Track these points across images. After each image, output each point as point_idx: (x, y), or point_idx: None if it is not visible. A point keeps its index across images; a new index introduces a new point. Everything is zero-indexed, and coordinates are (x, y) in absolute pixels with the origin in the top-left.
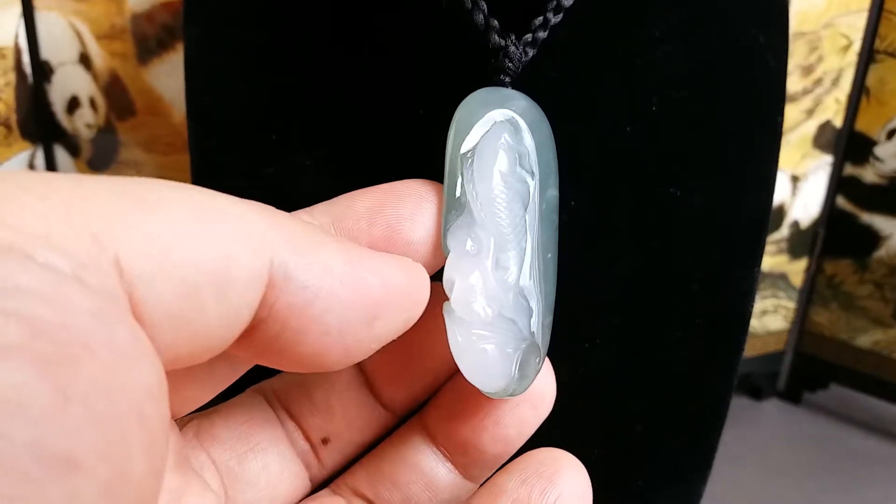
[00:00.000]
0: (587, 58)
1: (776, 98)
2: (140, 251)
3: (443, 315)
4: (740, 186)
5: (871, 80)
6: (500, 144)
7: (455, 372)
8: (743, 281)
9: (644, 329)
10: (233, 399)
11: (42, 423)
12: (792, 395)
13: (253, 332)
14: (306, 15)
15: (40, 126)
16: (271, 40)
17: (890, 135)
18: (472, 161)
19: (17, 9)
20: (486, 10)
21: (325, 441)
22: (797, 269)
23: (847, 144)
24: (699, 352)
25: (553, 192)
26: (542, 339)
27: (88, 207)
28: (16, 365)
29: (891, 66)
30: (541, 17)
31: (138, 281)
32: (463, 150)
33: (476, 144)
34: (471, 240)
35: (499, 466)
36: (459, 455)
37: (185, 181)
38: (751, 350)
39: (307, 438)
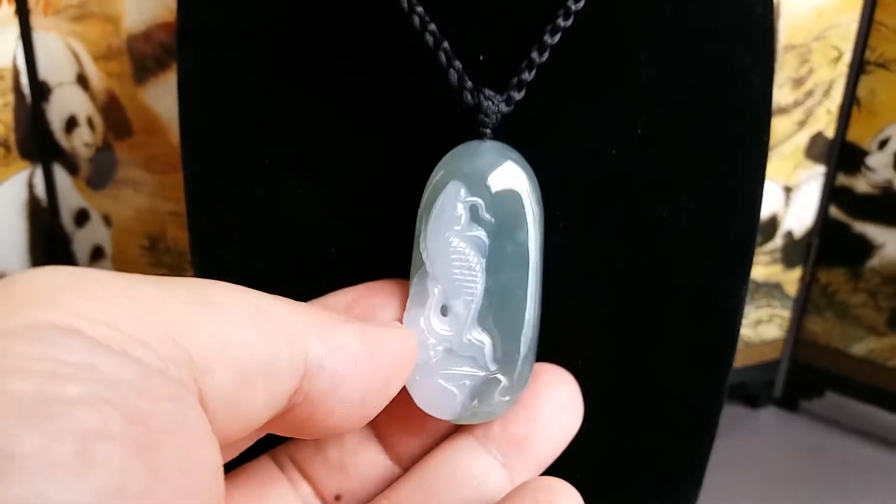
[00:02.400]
0: (574, 83)
1: (762, 117)
2: (207, 348)
3: None
4: (727, 205)
5: (862, 90)
6: (457, 198)
7: None
8: (731, 298)
9: (634, 347)
10: (245, 465)
11: (140, 499)
12: (788, 404)
13: (286, 413)
14: (299, 42)
15: (39, 145)
16: (264, 66)
17: (881, 145)
18: (430, 219)
19: (15, 30)
20: (460, 69)
21: (338, 498)
22: (791, 279)
23: (839, 155)
24: (689, 368)
25: (523, 236)
26: (509, 369)
27: (167, 310)
28: (117, 450)
29: (881, 76)
30: (516, 78)
31: (204, 372)
32: (425, 209)
33: (435, 200)
34: (420, 291)
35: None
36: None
37: (181, 199)
38: (746, 359)
39: (320, 496)
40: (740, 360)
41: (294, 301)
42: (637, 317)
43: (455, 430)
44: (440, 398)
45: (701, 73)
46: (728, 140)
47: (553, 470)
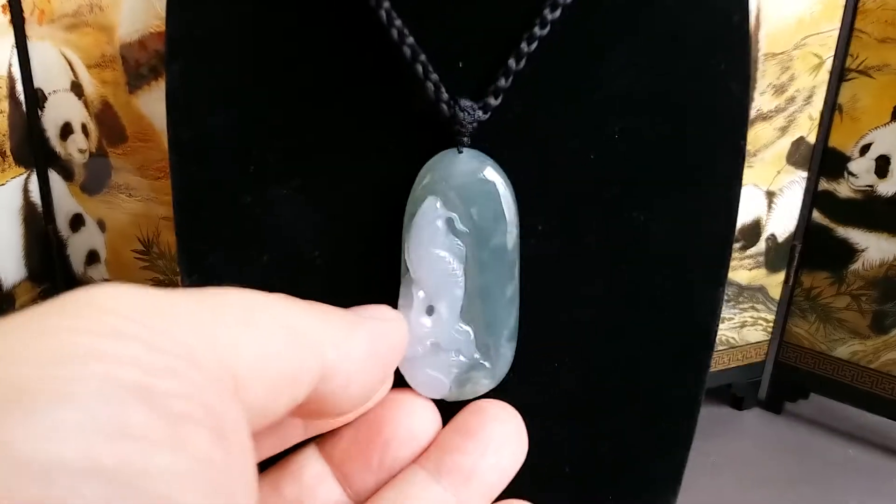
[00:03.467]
0: (551, 90)
1: (739, 123)
2: (248, 368)
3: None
4: (704, 209)
5: (843, 97)
6: (434, 213)
7: None
8: (708, 300)
9: (612, 349)
10: None
11: (222, 471)
12: (773, 405)
13: (297, 408)
14: (282, 54)
15: (34, 152)
16: (250, 77)
17: (863, 150)
18: (411, 232)
19: (11, 39)
20: (436, 81)
21: None
22: (775, 282)
23: (821, 160)
24: (667, 370)
25: (500, 241)
26: (493, 357)
27: (215, 333)
28: (204, 431)
29: (863, 83)
30: (493, 85)
31: (245, 386)
32: (407, 220)
33: (415, 213)
34: (407, 294)
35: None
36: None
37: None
38: (731, 361)
39: None
40: (725, 362)
41: (316, 306)
42: (614, 319)
43: (409, 463)
44: (430, 384)
45: (677, 80)
46: (705, 146)
47: (536, 470)
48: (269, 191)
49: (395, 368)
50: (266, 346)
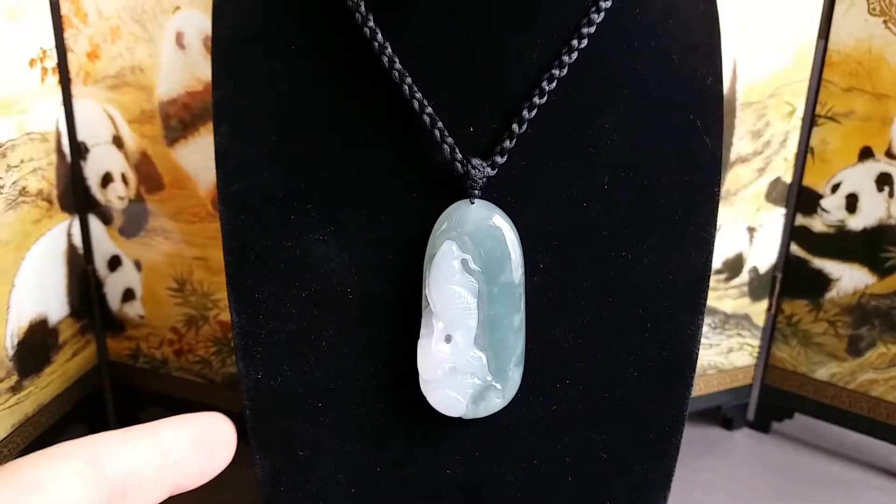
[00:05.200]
0: (548, 150)
1: (713, 173)
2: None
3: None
4: (683, 247)
5: (814, 140)
6: (451, 255)
7: None
8: (688, 327)
9: (605, 370)
10: None
11: None
12: (760, 425)
13: None
14: (318, 119)
15: (77, 199)
16: (289, 138)
17: (834, 189)
18: (431, 271)
19: (59, 98)
20: (451, 144)
21: None
22: (759, 310)
23: (797, 198)
24: (654, 388)
25: (508, 278)
26: (503, 380)
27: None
28: None
29: (831, 128)
30: (499, 146)
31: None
32: (427, 261)
33: (434, 255)
34: (428, 324)
35: None
36: None
37: (207, 246)
38: (720, 384)
39: None
40: (714, 385)
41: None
42: (607, 343)
43: None
44: (449, 403)
45: (659, 137)
46: (683, 192)
47: (543, 479)
48: (306, 236)
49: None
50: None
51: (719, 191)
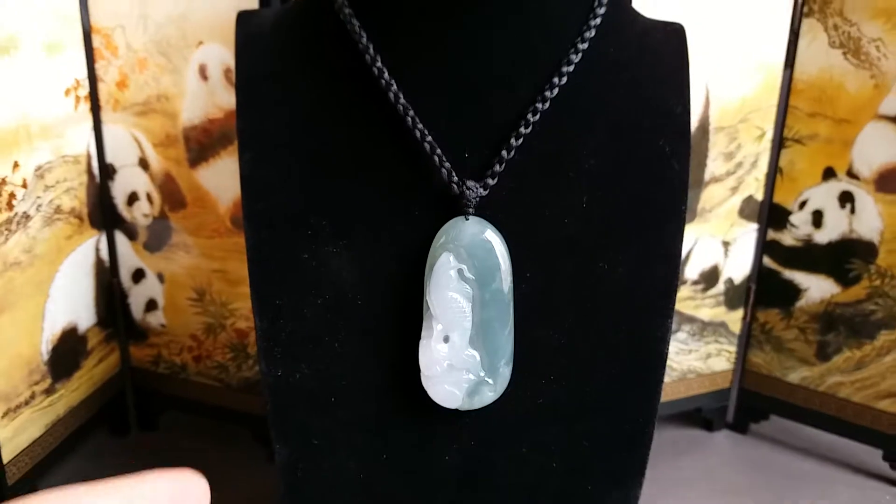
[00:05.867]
0: (534, 172)
1: (680, 192)
2: None
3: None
4: (653, 258)
5: (783, 161)
6: (448, 265)
7: None
8: (658, 329)
9: (585, 368)
10: None
11: None
12: (739, 426)
13: None
14: (331, 145)
15: (104, 216)
16: (304, 164)
17: (801, 205)
18: (431, 279)
19: (89, 123)
20: (449, 168)
21: None
22: (735, 318)
23: (768, 214)
24: (629, 383)
25: (497, 285)
26: (495, 375)
27: None
28: None
29: (798, 150)
30: (490, 170)
31: None
32: (428, 270)
33: (433, 265)
34: (429, 327)
35: None
36: None
37: (225, 259)
38: (700, 388)
39: None
40: (695, 388)
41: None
42: (587, 344)
43: None
44: (447, 396)
45: (631, 161)
46: (654, 210)
47: (531, 466)
48: (321, 249)
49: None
50: None
51: (685, 209)
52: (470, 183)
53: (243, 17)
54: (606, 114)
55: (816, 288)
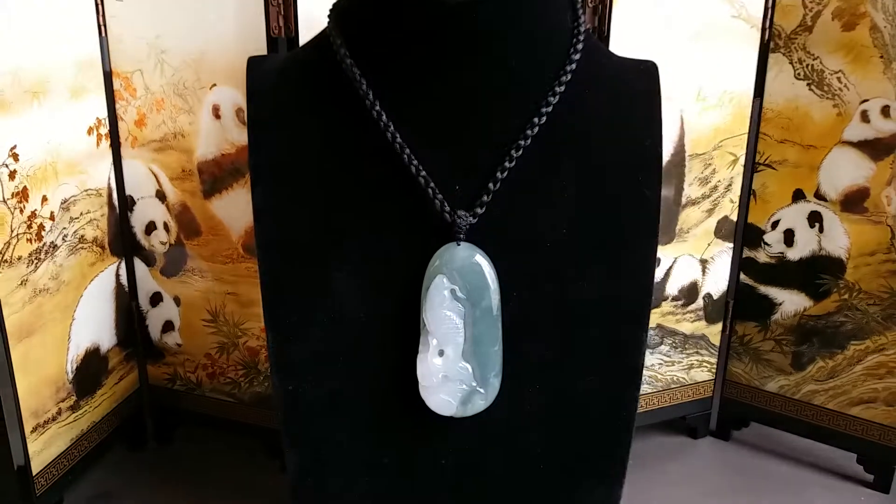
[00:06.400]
0: (518, 202)
1: (651, 218)
2: None
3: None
4: (628, 276)
5: (756, 184)
6: (442, 286)
7: None
8: (635, 340)
9: (568, 378)
10: None
11: None
12: (722, 433)
13: None
14: (336, 180)
15: (124, 244)
16: (312, 197)
17: (774, 225)
18: (426, 298)
19: (110, 159)
20: (441, 200)
21: None
22: (714, 332)
23: (743, 234)
24: (608, 391)
25: (487, 303)
26: (486, 385)
27: None
28: None
29: (769, 174)
30: (479, 201)
31: None
32: (424, 290)
33: (429, 286)
34: (425, 342)
35: None
36: None
37: (237, 282)
38: (683, 397)
39: None
40: (678, 397)
41: None
42: (568, 356)
43: None
44: (443, 405)
45: (607, 189)
46: (628, 233)
47: (514, 466)
48: (328, 273)
49: None
50: None
51: (657, 231)
52: (461, 212)
53: (253, 63)
54: (583, 148)
55: (790, 302)
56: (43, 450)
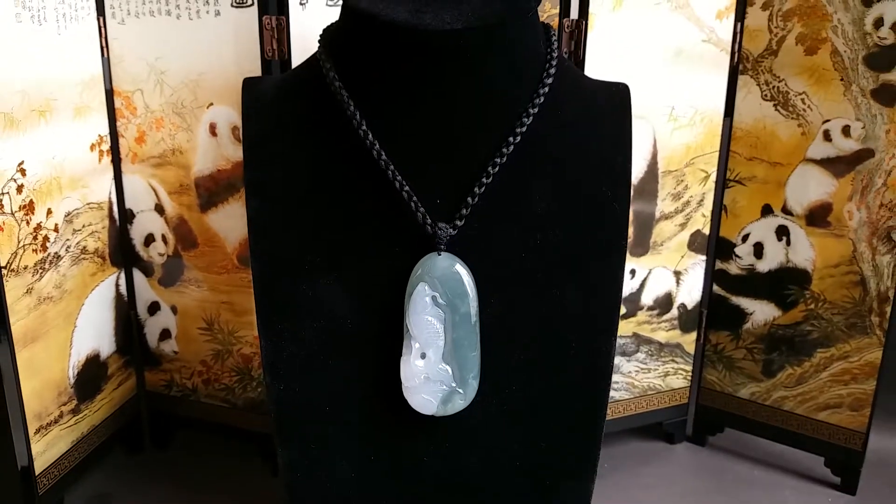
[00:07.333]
0: (495, 215)
1: (621, 230)
2: None
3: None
4: (598, 287)
5: (727, 200)
6: (424, 293)
7: None
8: (605, 346)
9: (543, 380)
10: None
11: None
12: (698, 439)
13: None
14: (325, 195)
15: (124, 255)
16: (302, 209)
17: (744, 239)
18: (409, 305)
19: (111, 174)
20: (423, 212)
21: None
22: (689, 340)
23: (715, 247)
24: (580, 393)
25: (466, 309)
26: (465, 386)
27: None
28: None
29: (739, 189)
30: (458, 213)
31: None
32: (406, 299)
33: (412, 293)
34: (408, 345)
35: None
36: None
37: (232, 292)
38: (661, 403)
39: None
40: (655, 404)
41: None
42: (543, 360)
43: None
44: (424, 404)
45: (578, 205)
46: (598, 245)
47: (491, 462)
48: (317, 282)
49: None
50: None
51: (626, 243)
52: (441, 224)
53: (249, 83)
54: (556, 165)
55: (760, 312)
56: (45, 451)
